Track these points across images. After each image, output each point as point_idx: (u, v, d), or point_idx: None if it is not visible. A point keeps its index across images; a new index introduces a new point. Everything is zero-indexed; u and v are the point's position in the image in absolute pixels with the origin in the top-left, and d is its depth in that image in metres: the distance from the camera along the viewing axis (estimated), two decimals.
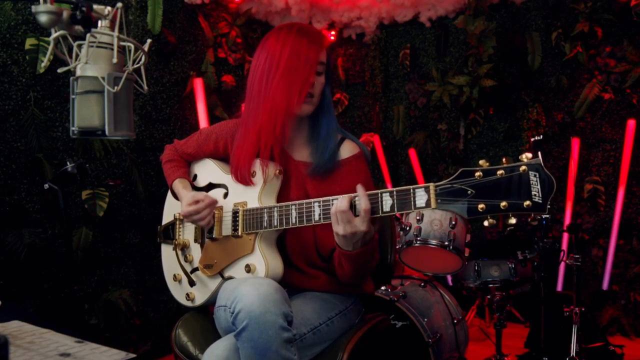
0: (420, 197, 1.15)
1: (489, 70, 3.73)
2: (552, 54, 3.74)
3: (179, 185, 1.59)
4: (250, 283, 1.22)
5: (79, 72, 0.95)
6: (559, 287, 3.61)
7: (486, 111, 4.00)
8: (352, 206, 1.23)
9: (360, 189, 1.21)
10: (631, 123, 3.41)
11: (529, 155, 1.06)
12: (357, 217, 1.21)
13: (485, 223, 1.11)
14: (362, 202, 1.20)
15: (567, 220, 3.55)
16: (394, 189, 1.20)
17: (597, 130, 3.61)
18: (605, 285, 3.47)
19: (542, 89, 3.77)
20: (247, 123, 1.46)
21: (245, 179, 1.45)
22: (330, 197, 1.27)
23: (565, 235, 3.50)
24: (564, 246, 3.50)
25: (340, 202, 1.22)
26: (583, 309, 2.57)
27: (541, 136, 2.42)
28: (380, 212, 1.20)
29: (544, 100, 3.75)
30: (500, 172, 1.06)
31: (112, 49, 0.94)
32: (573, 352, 2.53)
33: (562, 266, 3.55)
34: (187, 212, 1.47)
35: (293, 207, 1.32)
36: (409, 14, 4.17)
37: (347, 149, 1.50)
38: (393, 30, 4.43)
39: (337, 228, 1.24)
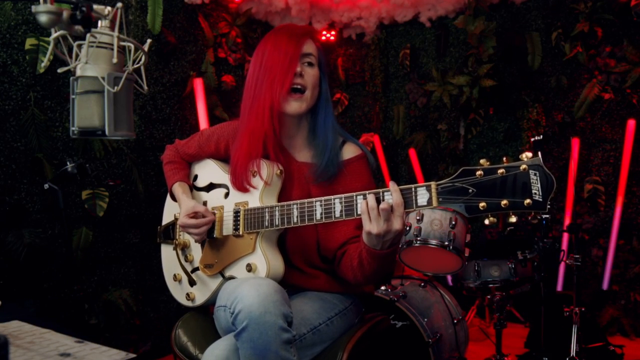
0: (422, 196, 1.15)
1: (489, 70, 3.73)
2: (552, 54, 3.73)
3: (178, 189, 1.59)
4: (251, 284, 1.22)
5: (79, 72, 0.95)
6: (559, 287, 3.61)
7: (486, 111, 3.99)
8: (378, 202, 1.19)
9: (393, 184, 1.19)
10: (631, 123, 3.41)
11: (529, 154, 1.07)
12: (391, 214, 1.18)
13: (486, 221, 1.12)
14: (395, 197, 1.17)
15: (567, 220, 3.55)
16: (398, 187, 1.19)
17: (597, 130, 3.61)
18: (605, 285, 3.47)
19: (542, 89, 3.77)
20: (241, 126, 1.48)
21: (242, 184, 1.44)
22: (332, 197, 1.27)
23: (565, 235, 3.50)
24: (564, 246, 3.50)
25: (371, 200, 1.19)
26: (583, 309, 2.57)
27: (541, 136, 2.42)
28: None
29: (544, 100, 3.75)
30: (501, 171, 1.07)
31: (112, 49, 0.94)
32: (573, 352, 2.53)
33: (562, 266, 3.55)
34: (186, 224, 1.46)
35: (294, 206, 1.32)
36: (409, 14, 4.17)
37: (349, 151, 1.50)
38: (393, 30, 4.43)
39: (369, 227, 1.20)
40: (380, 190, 1.21)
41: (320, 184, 1.46)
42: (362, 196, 1.22)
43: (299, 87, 1.42)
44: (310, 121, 1.51)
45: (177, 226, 1.63)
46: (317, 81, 1.45)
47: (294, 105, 1.42)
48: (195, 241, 1.53)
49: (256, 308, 1.16)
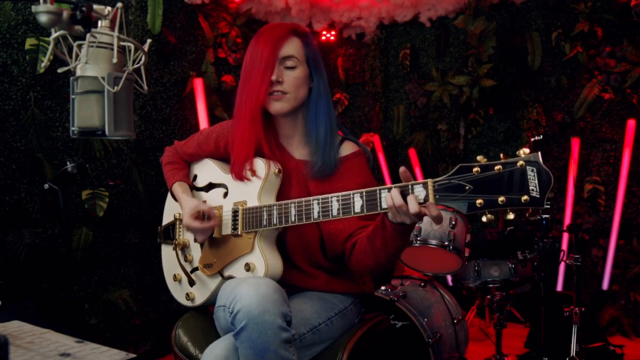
0: (419, 193, 1.15)
1: (489, 70, 3.73)
2: (552, 54, 3.73)
3: (178, 189, 1.59)
4: (249, 283, 1.22)
5: (79, 72, 0.95)
6: (559, 287, 3.60)
7: (486, 111, 3.99)
8: (404, 195, 1.17)
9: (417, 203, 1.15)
10: (631, 123, 3.41)
11: (527, 150, 1.06)
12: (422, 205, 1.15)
13: (484, 219, 1.11)
14: (433, 210, 1.15)
15: (567, 220, 3.55)
16: (393, 185, 1.19)
17: (597, 130, 3.60)
18: (605, 285, 3.47)
19: (542, 89, 3.77)
20: (232, 128, 1.51)
21: (240, 176, 1.46)
22: (330, 195, 1.27)
23: (565, 235, 3.50)
24: (564, 246, 3.49)
25: (397, 198, 1.15)
26: (583, 309, 2.57)
27: (541, 136, 2.42)
28: (379, 208, 1.20)
29: (544, 100, 3.75)
30: (498, 167, 1.06)
31: (112, 49, 0.94)
32: (573, 352, 2.53)
33: (562, 266, 3.55)
34: (190, 226, 1.47)
35: (292, 205, 1.32)
36: (409, 14, 4.17)
37: (348, 148, 1.50)
38: (393, 30, 4.42)
39: (400, 219, 1.18)
40: (378, 188, 1.21)
41: (318, 181, 1.46)
42: (359, 194, 1.22)
43: (277, 92, 1.42)
44: (305, 118, 1.51)
45: (177, 226, 1.63)
46: (300, 82, 1.44)
47: (276, 105, 1.43)
48: (198, 241, 1.53)
49: (255, 307, 1.16)
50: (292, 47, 1.43)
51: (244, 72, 1.46)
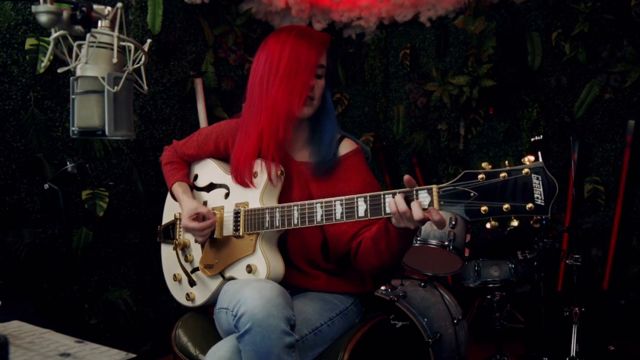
0: (424, 199, 1.15)
1: (489, 70, 3.73)
2: (552, 54, 3.73)
3: (178, 189, 1.59)
4: (253, 287, 1.22)
5: (79, 72, 0.95)
6: (559, 287, 3.60)
7: (486, 111, 3.99)
8: (408, 201, 1.17)
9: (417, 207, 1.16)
10: (631, 123, 3.41)
11: (531, 158, 1.06)
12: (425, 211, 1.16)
13: (488, 225, 1.12)
14: (436, 216, 1.16)
15: (567, 220, 3.55)
16: (397, 190, 1.19)
17: (597, 130, 3.61)
18: (605, 285, 3.47)
19: (542, 89, 3.77)
20: (248, 125, 1.47)
21: (244, 180, 1.45)
22: (333, 199, 1.27)
23: (565, 235, 3.50)
24: (564, 246, 3.50)
25: (401, 204, 1.15)
26: (583, 309, 2.57)
27: (541, 136, 2.42)
28: (383, 213, 1.20)
29: (544, 100, 3.75)
30: (502, 174, 1.06)
31: (112, 49, 0.94)
32: (573, 352, 2.53)
33: (562, 266, 3.55)
34: (189, 227, 1.47)
35: (295, 207, 1.32)
36: (409, 14, 4.16)
37: (346, 146, 1.51)
38: (393, 30, 4.42)
39: (404, 224, 1.19)
40: (382, 192, 1.21)
41: (319, 181, 1.46)
42: (363, 199, 1.22)
43: (311, 97, 1.43)
44: (311, 124, 1.51)
45: (177, 226, 1.63)
46: (322, 91, 1.47)
47: (305, 110, 1.44)
48: (198, 242, 1.53)
49: (259, 311, 1.16)
50: (325, 57, 1.45)
51: (277, 72, 1.40)
